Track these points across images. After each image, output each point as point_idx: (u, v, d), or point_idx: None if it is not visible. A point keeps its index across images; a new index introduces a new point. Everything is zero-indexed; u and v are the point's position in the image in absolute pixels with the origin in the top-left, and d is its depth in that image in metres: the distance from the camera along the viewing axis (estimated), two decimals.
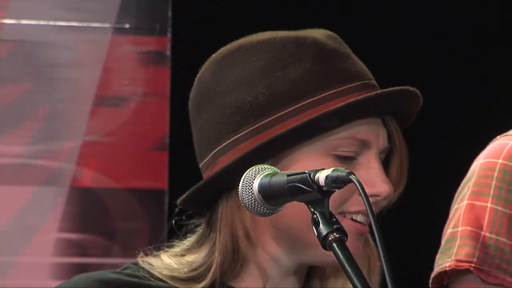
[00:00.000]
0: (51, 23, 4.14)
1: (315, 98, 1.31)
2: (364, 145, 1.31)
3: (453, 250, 1.23)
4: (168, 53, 4.92)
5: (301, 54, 1.34)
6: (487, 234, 1.19)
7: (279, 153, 1.32)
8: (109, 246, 4.38)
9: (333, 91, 1.31)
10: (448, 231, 1.31)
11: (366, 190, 1.23)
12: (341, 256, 1.06)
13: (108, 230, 4.36)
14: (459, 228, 1.24)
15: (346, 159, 1.30)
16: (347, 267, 1.06)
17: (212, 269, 1.30)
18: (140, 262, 1.34)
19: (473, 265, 1.17)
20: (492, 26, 4.72)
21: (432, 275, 1.31)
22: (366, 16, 4.40)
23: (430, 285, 1.33)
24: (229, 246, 1.31)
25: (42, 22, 4.15)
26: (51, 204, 4.40)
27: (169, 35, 5.03)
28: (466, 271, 1.19)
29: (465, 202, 1.28)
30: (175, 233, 1.41)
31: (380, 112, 1.34)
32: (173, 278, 1.31)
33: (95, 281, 1.33)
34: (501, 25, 4.70)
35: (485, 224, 1.21)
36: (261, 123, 1.31)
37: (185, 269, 1.31)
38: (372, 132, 1.32)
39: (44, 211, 4.38)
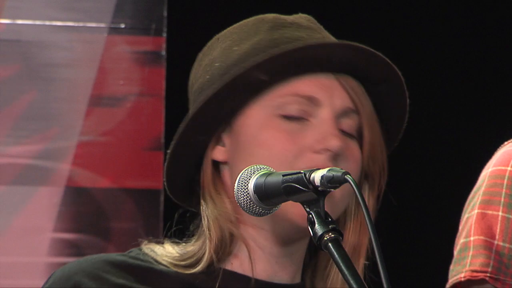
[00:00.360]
0: (47, 23, 4.14)
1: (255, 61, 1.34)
2: (313, 103, 1.31)
3: (467, 260, 1.23)
4: (163, 53, 4.91)
5: (257, 28, 1.40)
6: (500, 243, 1.19)
7: (229, 111, 1.37)
8: (104, 246, 4.38)
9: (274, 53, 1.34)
10: (460, 240, 1.31)
11: (317, 146, 1.25)
12: (336, 256, 1.06)
13: (103, 230, 4.35)
14: (472, 238, 1.24)
15: (294, 119, 1.31)
16: (343, 267, 1.06)
17: (206, 254, 1.33)
18: (144, 248, 1.37)
19: (488, 274, 1.17)
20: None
21: (447, 286, 1.31)
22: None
23: None
24: (218, 234, 1.33)
25: (37, 22, 4.14)
26: (47, 204, 4.40)
27: (164, 35, 5.03)
28: (482, 281, 1.19)
29: (476, 211, 1.28)
30: (171, 233, 1.43)
31: (327, 68, 1.34)
32: (174, 264, 1.34)
33: (103, 261, 1.37)
34: None
35: (497, 233, 1.21)
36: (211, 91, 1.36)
37: (185, 257, 1.35)
38: (320, 89, 1.32)
39: (39, 211, 4.38)
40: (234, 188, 1.25)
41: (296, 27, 1.40)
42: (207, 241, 1.35)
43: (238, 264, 1.37)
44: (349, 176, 1.09)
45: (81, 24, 4.35)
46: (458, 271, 1.26)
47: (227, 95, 1.35)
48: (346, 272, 1.06)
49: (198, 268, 1.34)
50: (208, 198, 1.38)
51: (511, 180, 1.24)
